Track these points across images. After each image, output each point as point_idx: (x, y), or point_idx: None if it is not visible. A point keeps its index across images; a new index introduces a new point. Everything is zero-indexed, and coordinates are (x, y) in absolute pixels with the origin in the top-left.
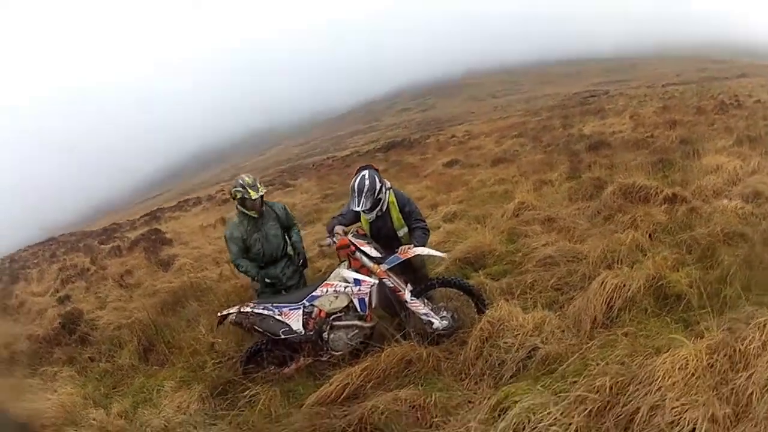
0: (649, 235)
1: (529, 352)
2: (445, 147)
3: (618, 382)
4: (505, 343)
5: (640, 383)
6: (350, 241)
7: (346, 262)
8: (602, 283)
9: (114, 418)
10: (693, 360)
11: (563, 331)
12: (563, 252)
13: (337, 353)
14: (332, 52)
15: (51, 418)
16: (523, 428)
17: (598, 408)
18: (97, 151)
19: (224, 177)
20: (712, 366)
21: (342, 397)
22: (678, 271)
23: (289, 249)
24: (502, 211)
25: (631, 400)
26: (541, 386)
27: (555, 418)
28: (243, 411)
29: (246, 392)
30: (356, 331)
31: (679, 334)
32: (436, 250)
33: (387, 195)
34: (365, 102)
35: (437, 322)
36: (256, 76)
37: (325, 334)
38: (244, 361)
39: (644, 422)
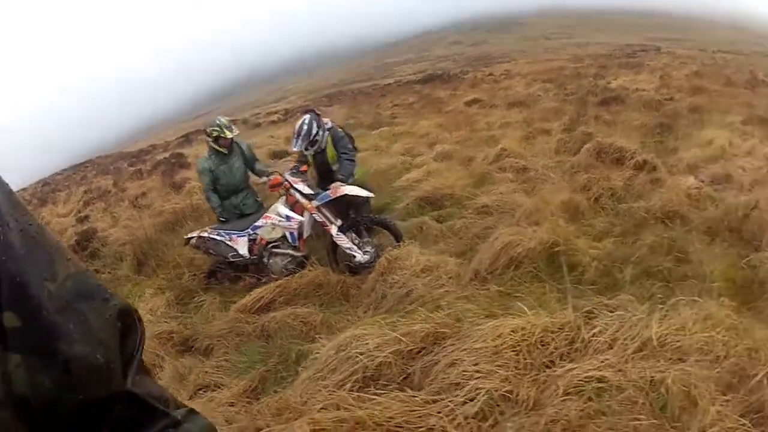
0: (595, 199)
1: (408, 291)
2: (478, 84)
3: (438, 333)
4: (393, 279)
5: (458, 340)
6: (284, 179)
7: (284, 198)
8: (496, 237)
9: None
10: (522, 333)
11: (451, 278)
12: (502, 203)
13: (275, 276)
14: None
15: None
16: (344, 351)
17: (409, 351)
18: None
19: (268, 100)
20: (545, 345)
21: (258, 308)
22: (600, 240)
23: (251, 182)
24: (484, 155)
25: (440, 352)
26: (386, 321)
27: (367, 349)
28: (191, 314)
29: (197, 299)
30: (290, 258)
31: (551, 303)
32: (365, 190)
33: (325, 135)
34: (420, 32)
35: (359, 256)
36: None
37: (265, 259)
38: (207, 275)
39: (438, 376)
